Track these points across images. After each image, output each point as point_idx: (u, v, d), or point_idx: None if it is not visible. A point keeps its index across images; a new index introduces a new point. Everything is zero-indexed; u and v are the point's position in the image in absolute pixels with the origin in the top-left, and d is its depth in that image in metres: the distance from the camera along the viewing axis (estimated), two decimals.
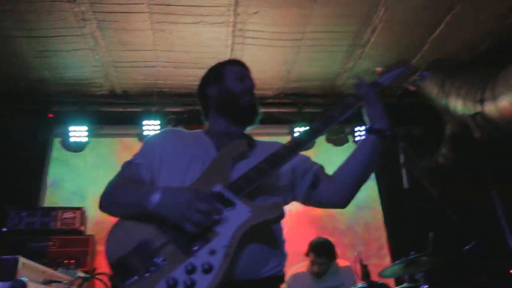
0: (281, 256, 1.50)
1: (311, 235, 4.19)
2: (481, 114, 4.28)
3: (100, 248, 4.13)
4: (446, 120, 4.96)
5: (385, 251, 5.07)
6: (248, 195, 1.39)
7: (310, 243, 3.88)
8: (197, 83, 1.86)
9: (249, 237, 1.31)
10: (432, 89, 4.89)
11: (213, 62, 1.89)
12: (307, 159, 1.70)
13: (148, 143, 1.71)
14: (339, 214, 5.13)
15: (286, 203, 1.61)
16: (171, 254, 1.28)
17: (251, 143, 1.66)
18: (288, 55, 4.52)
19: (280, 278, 1.48)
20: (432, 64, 4.84)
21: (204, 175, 1.47)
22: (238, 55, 4.54)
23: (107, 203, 1.51)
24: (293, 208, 1.69)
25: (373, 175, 5.35)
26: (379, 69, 1.79)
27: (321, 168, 1.67)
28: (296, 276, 3.90)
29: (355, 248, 4.52)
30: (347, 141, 5.39)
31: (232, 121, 1.69)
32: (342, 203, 1.59)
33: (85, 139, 4.97)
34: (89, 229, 4.28)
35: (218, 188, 1.39)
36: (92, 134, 5.02)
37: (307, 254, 3.86)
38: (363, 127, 5.24)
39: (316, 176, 1.62)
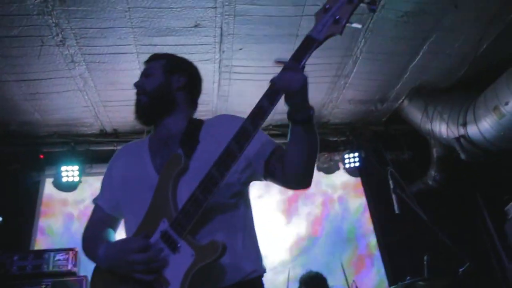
0: (250, 257, 1.49)
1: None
2: (465, 136, 4.41)
3: None
4: (432, 144, 5.08)
5: (382, 277, 5.07)
6: (191, 231, 1.36)
7: (300, 278, 3.84)
8: None
9: (206, 270, 1.32)
10: (416, 115, 5.02)
11: (201, 99, 1.92)
12: (260, 148, 1.54)
13: (105, 174, 1.77)
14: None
15: (240, 203, 1.55)
16: None
17: (189, 147, 1.56)
18: None
19: (255, 280, 1.49)
20: (413, 91, 4.99)
21: (151, 209, 1.48)
22: (225, 90, 4.65)
23: (84, 252, 1.65)
24: None
25: (365, 203, 5.41)
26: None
27: (273, 154, 1.53)
28: None
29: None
30: (338, 168, 5.45)
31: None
32: (303, 187, 1.53)
33: (77, 179, 4.98)
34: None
35: (164, 226, 1.40)
36: (83, 173, 5.03)
37: None
38: (352, 154, 5.33)
39: (270, 164, 1.52)
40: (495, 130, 4.08)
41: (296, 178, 1.50)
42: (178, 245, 1.34)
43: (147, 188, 1.49)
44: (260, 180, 1.60)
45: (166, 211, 1.41)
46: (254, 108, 1.39)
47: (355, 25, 1.34)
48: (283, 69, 1.35)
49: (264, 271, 1.54)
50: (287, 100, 1.35)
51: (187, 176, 1.46)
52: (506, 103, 3.83)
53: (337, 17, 1.32)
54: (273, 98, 1.35)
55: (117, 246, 1.46)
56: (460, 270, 3.13)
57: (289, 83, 1.32)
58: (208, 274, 1.35)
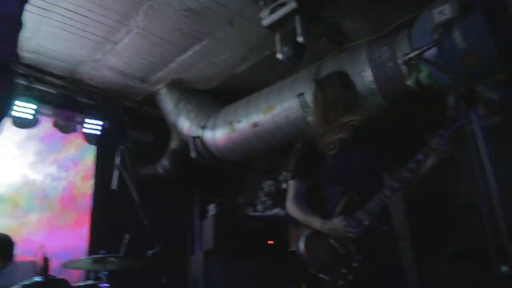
0: None
1: None
2: (200, 138, 4.85)
3: None
4: (172, 136, 5.40)
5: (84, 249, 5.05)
6: None
7: None
8: None
9: None
10: (168, 104, 5.26)
11: None
12: None
13: None
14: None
15: None
16: None
17: None
18: (30, 22, 4.06)
19: None
20: (173, 82, 5.21)
21: None
22: None
23: None
24: None
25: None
26: None
27: None
28: None
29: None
30: (75, 130, 5.17)
31: None
32: None
33: None
34: None
35: None
36: None
37: None
38: (95, 121, 5.16)
39: None
40: (225, 141, 4.64)
41: None
42: None
43: None
44: None
45: None
46: None
47: None
48: None
49: None
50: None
51: None
52: (239, 121, 4.42)
53: None
54: None
55: None
56: (148, 252, 3.41)
57: None
58: None
